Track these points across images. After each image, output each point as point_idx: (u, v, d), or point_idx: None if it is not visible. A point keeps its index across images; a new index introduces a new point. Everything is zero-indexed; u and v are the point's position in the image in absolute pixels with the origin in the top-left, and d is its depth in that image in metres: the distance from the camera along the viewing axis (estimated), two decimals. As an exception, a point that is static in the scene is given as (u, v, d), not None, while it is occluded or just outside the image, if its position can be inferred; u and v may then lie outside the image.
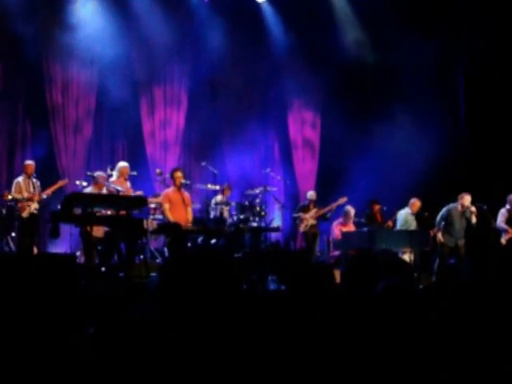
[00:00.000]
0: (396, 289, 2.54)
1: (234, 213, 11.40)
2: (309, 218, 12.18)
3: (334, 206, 12.24)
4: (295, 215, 12.38)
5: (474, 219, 11.02)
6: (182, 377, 1.98)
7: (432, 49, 12.90)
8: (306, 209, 12.34)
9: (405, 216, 11.58)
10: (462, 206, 11.02)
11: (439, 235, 11.06)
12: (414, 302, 2.47)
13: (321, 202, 12.55)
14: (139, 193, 9.92)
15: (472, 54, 13.33)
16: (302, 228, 12.26)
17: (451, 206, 11.14)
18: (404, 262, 5.31)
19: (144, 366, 2.00)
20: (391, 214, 11.97)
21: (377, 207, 12.12)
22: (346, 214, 11.83)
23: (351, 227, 11.87)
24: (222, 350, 2.06)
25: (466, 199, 11.02)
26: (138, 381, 1.98)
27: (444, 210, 11.17)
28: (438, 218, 11.17)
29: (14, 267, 3.93)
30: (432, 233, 11.02)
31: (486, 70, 12.93)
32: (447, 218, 11.08)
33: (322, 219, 12.37)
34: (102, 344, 2.14)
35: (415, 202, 11.51)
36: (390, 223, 11.91)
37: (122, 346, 2.08)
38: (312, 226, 12.25)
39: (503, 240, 11.09)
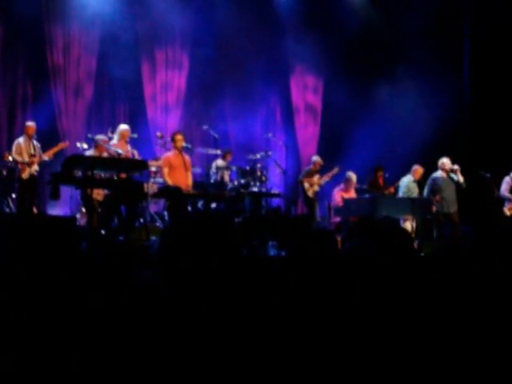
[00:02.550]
0: (359, 251, 2.54)
1: (234, 177, 11.35)
2: (316, 184, 12.13)
3: (328, 175, 12.23)
4: (304, 180, 12.18)
5: (461, 178, 10.76)
6: (182, 341, 1.97)
7: (436, 11, 12.74)
8: (312, 174, 12.23)
9: (407, 183, 11.38)
10: (446, 170, 10.77)
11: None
12: (379, 266, 2.46)
13: (322, 167, 12.45)
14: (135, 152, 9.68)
15: (478, 15, 13.14)
16: (310, 193, 12.15)
17: (433, 176, 10.86)
18: (404, 230, 5.29)
19: (147, 329, 1.99)
20: (393, 182, 11.88)
21: (380, 173, 11.96)
22: (348, 181, 11.70)
23: (352, 194, 11.78)
24: (223, 313, 2.05)
25: (447, 162, 10.79)
26: (141, 344, 1.97)
27: (429, 181, 10.88)
28: (426, 191, 10.90)
29: (14, 228, 3.92)
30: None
31: (491, 31, 12.75)
32: (434, 188, 10.73)
33: None
34: (107, 308, 2.13)
35: (417, 169, 11.30)
36: (391, 189, 11.80)
37: (127, 310, 2.07)
38: (315, 192, 12.21)
39: (506, 209, 10.96)
